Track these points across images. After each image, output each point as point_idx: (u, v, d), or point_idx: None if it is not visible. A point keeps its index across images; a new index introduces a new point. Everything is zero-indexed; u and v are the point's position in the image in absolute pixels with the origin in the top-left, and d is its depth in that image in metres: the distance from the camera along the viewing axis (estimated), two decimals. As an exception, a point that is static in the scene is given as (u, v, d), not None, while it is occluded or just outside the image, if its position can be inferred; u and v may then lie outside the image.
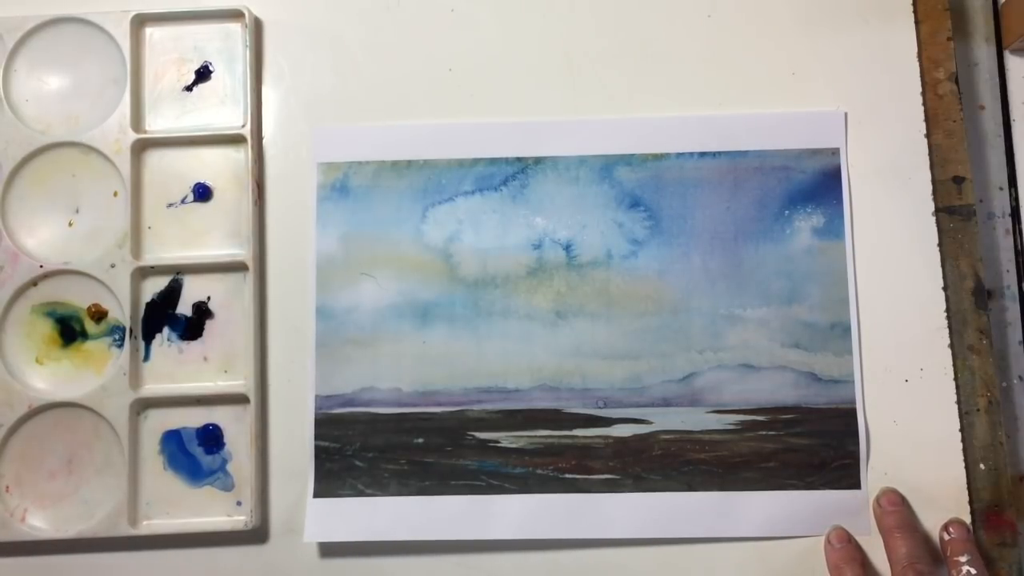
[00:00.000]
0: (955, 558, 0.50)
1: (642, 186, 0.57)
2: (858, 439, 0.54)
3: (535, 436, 0.55)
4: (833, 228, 0.56)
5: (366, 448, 0.55)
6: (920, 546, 0.50)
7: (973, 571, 0.49)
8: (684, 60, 0.58)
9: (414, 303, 0.56)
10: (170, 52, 0.59)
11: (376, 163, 0.57)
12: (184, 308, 0.56)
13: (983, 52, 0.59)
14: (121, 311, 0.56)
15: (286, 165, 0.58)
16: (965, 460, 0.54)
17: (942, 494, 0.53)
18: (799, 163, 0.56)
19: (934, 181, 0.56)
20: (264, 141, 0.58)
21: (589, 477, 0.54)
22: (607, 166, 0.57)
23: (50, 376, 0.56)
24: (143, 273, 0.56)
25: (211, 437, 0.55)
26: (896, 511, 0.52)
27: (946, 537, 0.52)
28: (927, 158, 0.56)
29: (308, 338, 0.56)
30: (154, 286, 0.56)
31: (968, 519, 0.53)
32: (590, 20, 0.59)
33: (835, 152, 0.56)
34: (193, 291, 0.56)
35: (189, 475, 0.55)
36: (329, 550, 0.55)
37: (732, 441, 0.54)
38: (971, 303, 0.55)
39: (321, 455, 0.55)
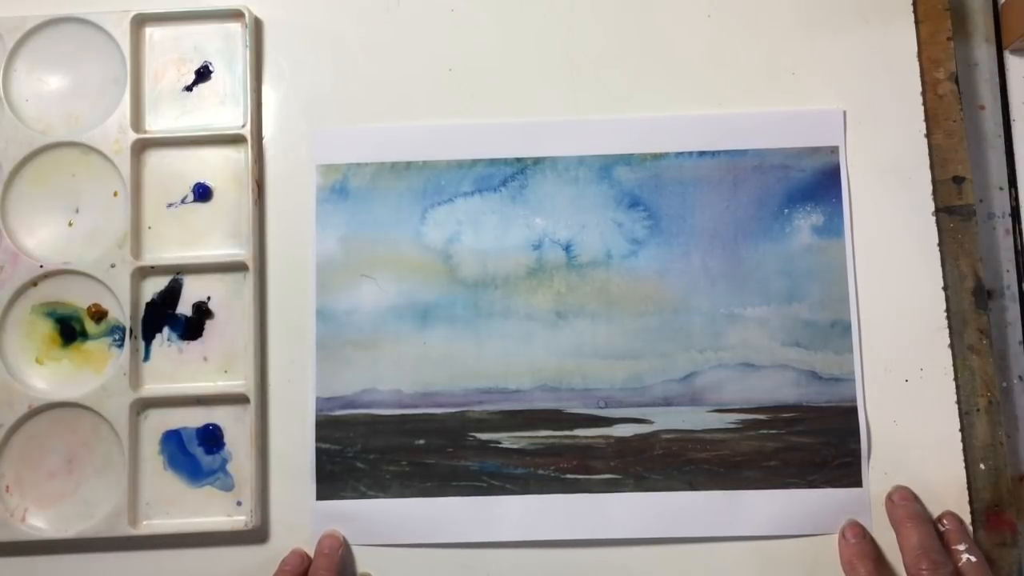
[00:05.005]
0: (954, 547, 0.51)
1: (641, 186, 0.57)
2: (859, 437, 0.54)
3: (536, 437, 0.55)
4: (833, 226, 0.56)
5: (367, 450, 0.55)
6: (931, 536, 0.51)
7: (973, 558, 0.50)
8: (684, 60, 0.58)
9: (414, 304, 0.56)
10: (170, 52, 0.59)
11: (375, 164, 0.57)
12: (184, 308, 0.56)
13: (983, 52, 0.59)
14: (121, 311, 0.56)
15: (286, 165, 0.58)
16: (965, 460, 0.54)
17: (942, 494, 0.53)
18: (798, 162, 0.56)
19: (934, 181, 0.56)
20: (264, 141, 0.58)
21: (590, 477, 0.54)
22: (606, 166, 0.57)
23: (50, 376, 0.56)
24: (143, 273, 0.56)
25: (211, 437, 0.55)
26: (907, 504, 0.52)
27: (941, 529, 0.52)
28: (927, 158, 0.56)
29: (308, 338, 0.56)
30: (154, 286, 0.56)
31: (968, 519, 0.53)
32: (590, 20, 0.59)
33: (834, 150, 0.56)
34: (193, 291, 0.56)
35: (189, 475, 0.55)
36: (329, 550, 0.55)
37: (733, 440, 0.54)
38: (971, 303, 0.55)
39: (322, 457, 0.55)
